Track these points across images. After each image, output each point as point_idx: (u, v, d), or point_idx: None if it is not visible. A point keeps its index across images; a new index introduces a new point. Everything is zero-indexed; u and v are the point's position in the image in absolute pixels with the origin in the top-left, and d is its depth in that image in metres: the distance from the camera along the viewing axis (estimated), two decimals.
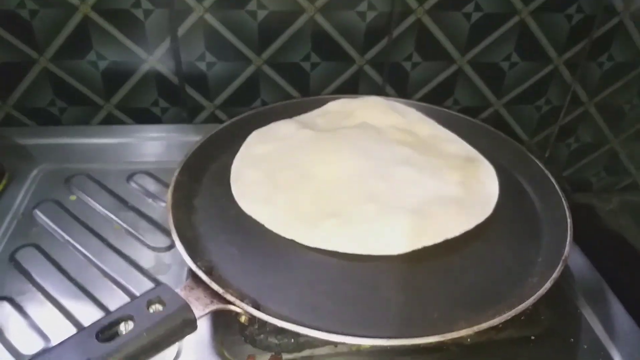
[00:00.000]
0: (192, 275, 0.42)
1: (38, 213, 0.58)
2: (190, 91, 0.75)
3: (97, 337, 0.34)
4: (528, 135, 0.85)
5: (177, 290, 0.39)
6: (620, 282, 0.51)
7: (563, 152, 0.88)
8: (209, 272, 0.42)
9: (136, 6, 0.67)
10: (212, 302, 0.39)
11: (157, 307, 0.37)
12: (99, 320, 0.35)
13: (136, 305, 0.36)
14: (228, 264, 0.46)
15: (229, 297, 0.39)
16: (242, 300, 0.40)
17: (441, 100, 0.79)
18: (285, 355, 0.43)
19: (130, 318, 0.35)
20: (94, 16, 0.67)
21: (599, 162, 0.89)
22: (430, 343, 0.38)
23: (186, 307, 0.37)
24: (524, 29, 0.73)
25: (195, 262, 0.42)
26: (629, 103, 0.82)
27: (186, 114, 0.76)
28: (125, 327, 0.35)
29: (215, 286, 0.40)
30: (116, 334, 0.35)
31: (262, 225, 0.50)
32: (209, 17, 0.68)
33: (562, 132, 0.85)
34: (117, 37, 0.69)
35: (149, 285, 0.50)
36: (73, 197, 0.60)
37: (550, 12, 0.72)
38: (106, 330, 0.35)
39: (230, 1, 0.67)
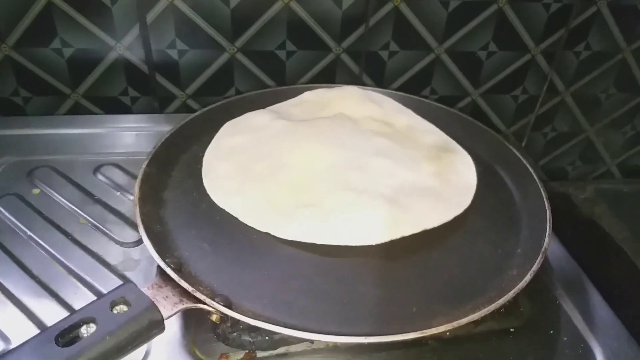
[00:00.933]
0: (160, 272, 0.40)
1: None
2: (161, 80, 0.72)
3: (56, 341, 0.32)
4: (505, 124, 0.84)
5: (144, 289, 0.37)
6: (597, 270, 0.51)
7: (539, 141, 0.88)
8: (178, 269, 0.41)
9: None
10: (181, 301, 0.37)
11: (121, 308, 0.35)
12: (58, 323, 0.33)
13: (98, 306, 0.34)
14: (199, 259, 0.44)
15: (199, 295, 0.38)
16: (213, 298, 0.38)
17: (418, 90, 0.78)
18: (259, 353, 0.41)
19: (92, 320, 0.33)
20: (58, 2, 0.64)
21: (574, 151, 0.90)
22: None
23: (153, 308, 0.35)
24: (502, 17, 0.72)
25: (163, 258, 0.41)
26: (605, 92, 0.82)
27: (157, 103, 0.74)
28: (87, 330, 0.33)
29: (184, 284, 0.38)
30: (77, 338, 0.33)
31: (235, 219, 0.48)
32: (179, 3, 0.66)
33: (538, 121, 0.85)
34: (83, 23, 0.66)
35: (117, 282, 0.48)
36: (36, 191, 0.57)
37: (528, 1, 0.71)
38: (66, 334, 0.33)
39: None
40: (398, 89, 0.76)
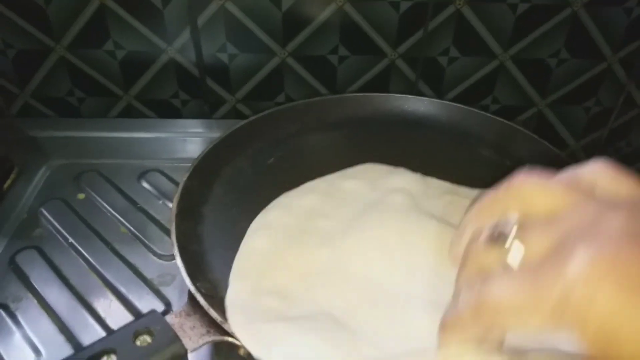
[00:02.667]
0: (191, 298, 0.38)
1: (44, 212, 0.55)
2: (212, 84, 0.71)
3: None
4: (574, 138, 0.78)
5: (171, 317, 0.35)
6: None
7: (612, 157, 0.80)
8: (209, 295, 0.38)
9: None
10: (208, 332, 0.35)
11: (144, 339, 0.33)
12: (77, 355, 0.32)
13: (121, 336, 0.33)
14: None
15: (227, 327, 0.35)
16: None
17: (479, 99, 0.73)
18: None
19: (113, 351, 0.32)
20: (111, 4, 0.64)
21: None
22: None
23: (176, 340, 0.33)
24: (576, 22, 0.66)
25: (194, 282, 0.38)
26: None
27: (207, 107, 0.73)
28: None
29: (213, 313, 0.36)
30: None
31: None
32: (230, 6, 0.64)
33: (612, 135, 0.78)
34: (135, 26, 0.65)
35: (151, 298, 0.47)
36: (81, 196, 0.57)
37: (607, 5, 0.64)
38: None
39: None
40: (457, 97, 0.72)
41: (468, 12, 0.65)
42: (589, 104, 0.74)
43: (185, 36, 0.66)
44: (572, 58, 0.69)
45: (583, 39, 0.67)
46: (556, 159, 0.55)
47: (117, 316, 0.45)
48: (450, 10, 0.65)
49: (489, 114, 0.62)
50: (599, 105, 0.74)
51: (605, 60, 0.70)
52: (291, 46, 0.67)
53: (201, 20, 0.65)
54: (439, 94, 0.72)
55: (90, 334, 0.43)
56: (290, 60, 0.69)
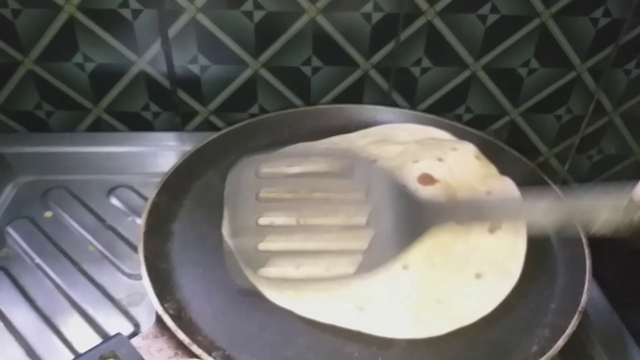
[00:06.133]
0: (159, 319, 0.37)
1: (10, 232, 0.54)
2: (183, 96, 0.70)
3: None
4: (547, 146, 0.79)
5: (138, 340, 0.35)
6: None
7: (584, 164, 0.81)
8: (177, 315, 0.38)
9: (124, 6, 0.62)
10: (175, 354, 0.35)
11: None
12: None
13: None
14: (202, 302, 0.41)
15: (195, 349, 0.35)
16: (210, 353, 0.35)
17: (452, 109, 0.73)
18: None
19: None
20: (80, 16, 0.62)
21: (622, 175, 0.83)
22: None
23: None
24: (545, 32, 0.67)
25: (162, 303, 0.38)
26: None
27: (179, 119, 0.72)
28: None
29: (181, 334, 0.36)
30: None
31: None
32: (201, 18, 0.63)
33: (583, 143, 0.79)
34: (105, 38, 0.64)
35: (120, 319, 0.46)
36: (48, 214, 0.56)
37: (574, 15, 0.65)
38: None
39: (224, 1, 0.62)
40: (430, 107, 0.72)
41: (439, 23, 0.66)
42: (560, 112, 0.75)
43: (155, 48, 0.65)
44: (542, 67, 0.70)
45: (552, 48, 0.68)
46: (525, 167, 0.56)
47: (84, 339, 0.44)
48: (421, 21, 0.65)
49: (459, 124, 0.63)
50: (569, 114, 0.75)
51: (575, 69, 0.71)
52: (264, 57, 0.67)
53: (172, 31, 0.64)
54: (413, 103, 0.72)
55: (58, 358, 0.42)
56: (263, 72, 0.68)
